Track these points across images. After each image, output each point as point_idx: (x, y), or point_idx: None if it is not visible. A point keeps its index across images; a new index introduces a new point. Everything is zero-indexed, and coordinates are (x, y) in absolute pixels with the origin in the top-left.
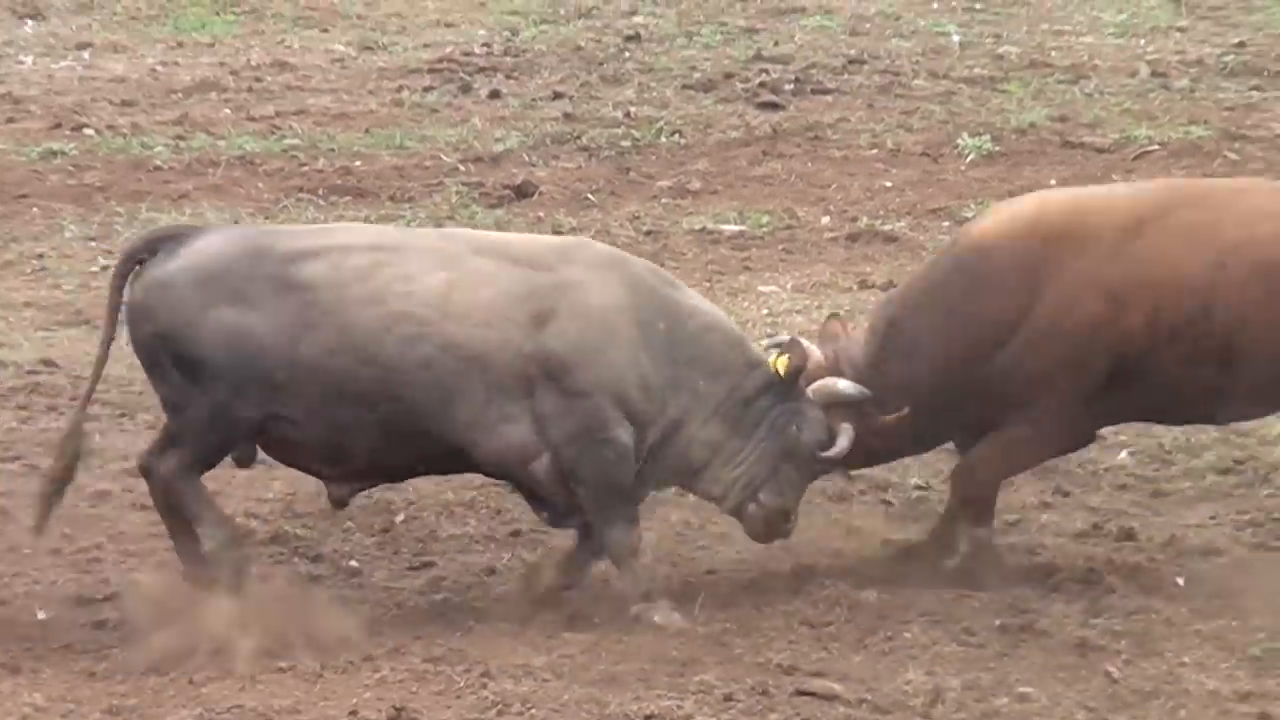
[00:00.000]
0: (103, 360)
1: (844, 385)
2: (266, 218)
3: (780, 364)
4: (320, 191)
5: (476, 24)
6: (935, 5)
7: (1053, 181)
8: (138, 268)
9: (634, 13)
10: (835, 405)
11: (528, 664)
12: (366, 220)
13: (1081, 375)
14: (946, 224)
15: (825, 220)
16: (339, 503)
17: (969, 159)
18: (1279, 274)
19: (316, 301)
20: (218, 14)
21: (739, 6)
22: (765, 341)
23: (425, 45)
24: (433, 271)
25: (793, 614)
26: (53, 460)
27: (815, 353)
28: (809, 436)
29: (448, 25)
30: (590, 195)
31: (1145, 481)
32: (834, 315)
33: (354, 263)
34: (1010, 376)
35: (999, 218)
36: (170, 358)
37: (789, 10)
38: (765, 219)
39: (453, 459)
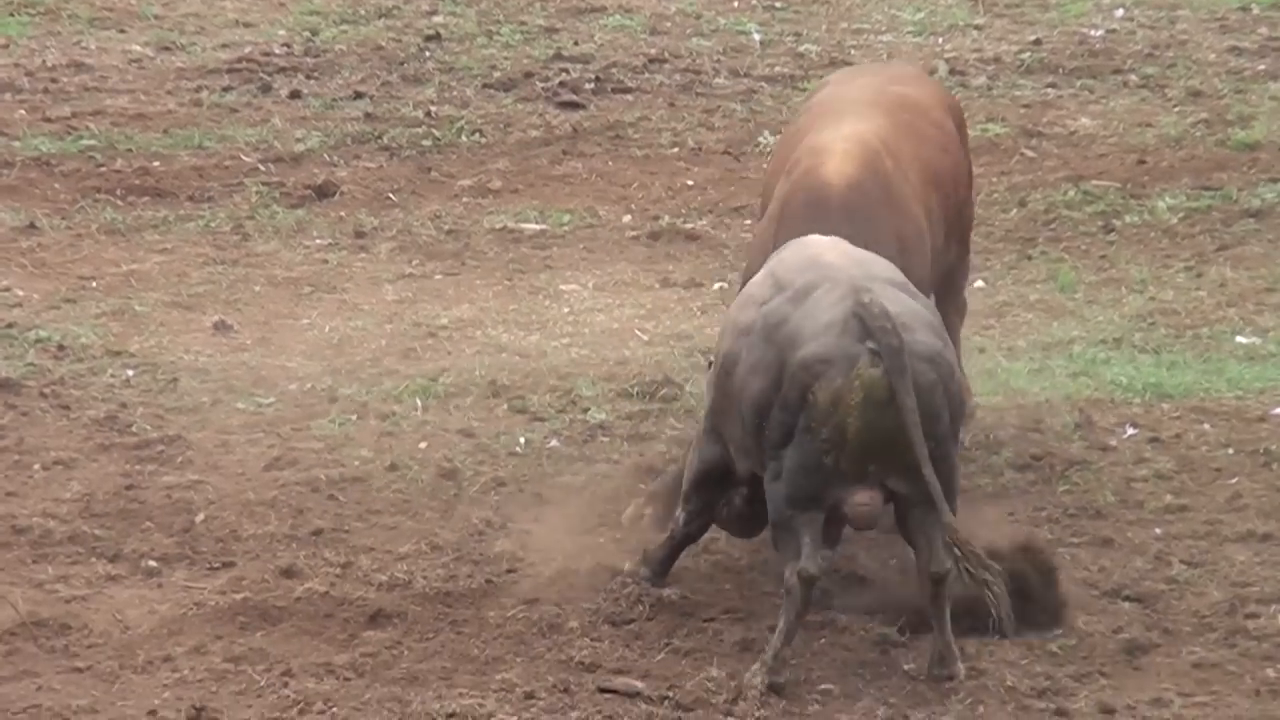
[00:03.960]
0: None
1: None
2: (63, 218)
3: None
4: (118, 192)
5: (276, 24)
6: (735, 4)
7: None
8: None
9: (434, 12)
10: None
11: (329, 663)
12: (165, 220)
13: None
14: (748, 222)
15: (627, 219)
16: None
17: (770, 157)
18: None
19: None
20: (12, 14)
21: (538, 6)
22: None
23: (224, 45)
24: None
25: (595, 611)
26: None
27: None
28: None
29: (246, 25)
30: (391, 195)
31: None
32: None
33: None
34: None
35: None
36: None
37: (588, 10)
38: (566, 218)
39: None
